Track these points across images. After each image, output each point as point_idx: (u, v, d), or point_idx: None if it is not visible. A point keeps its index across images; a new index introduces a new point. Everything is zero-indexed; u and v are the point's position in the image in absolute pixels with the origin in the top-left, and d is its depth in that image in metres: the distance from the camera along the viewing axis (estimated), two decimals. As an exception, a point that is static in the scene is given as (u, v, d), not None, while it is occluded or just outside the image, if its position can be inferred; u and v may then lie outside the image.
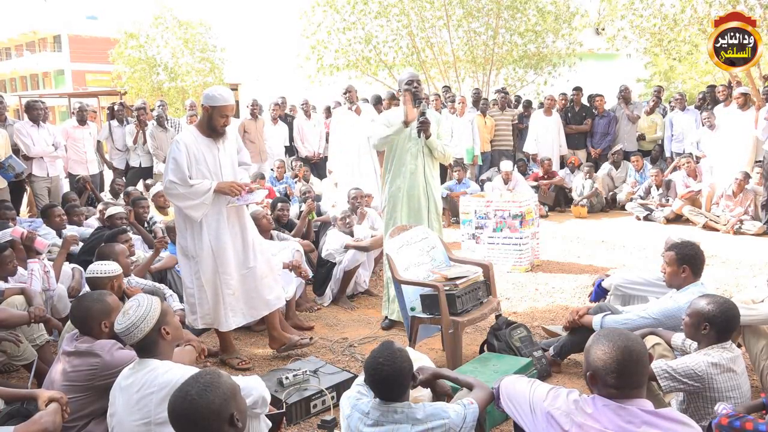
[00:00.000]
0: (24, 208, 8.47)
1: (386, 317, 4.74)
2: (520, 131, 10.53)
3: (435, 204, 4.63)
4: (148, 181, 9.00)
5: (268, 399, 2.48)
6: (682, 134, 9.37)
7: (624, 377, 1.94)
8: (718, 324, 2.69)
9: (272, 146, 9.79)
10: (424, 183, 4.53)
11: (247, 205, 4.09)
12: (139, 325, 2.43)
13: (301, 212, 6.32)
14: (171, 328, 2.54)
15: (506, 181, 8.66)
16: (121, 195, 7.59)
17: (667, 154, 9.57)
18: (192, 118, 9.56)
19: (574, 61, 14.78)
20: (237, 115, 11.61)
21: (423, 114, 4.40)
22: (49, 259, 4.76)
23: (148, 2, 19.89)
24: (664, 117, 10.10)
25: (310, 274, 5.36)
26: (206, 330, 4.58)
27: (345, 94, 7.31)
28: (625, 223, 8.58)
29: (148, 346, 2.46)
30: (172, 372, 2.36)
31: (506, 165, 8.86)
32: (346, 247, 5.33)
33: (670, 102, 10.53)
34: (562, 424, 2.02)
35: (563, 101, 10.35)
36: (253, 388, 2.38)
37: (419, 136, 4.43)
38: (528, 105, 11.05)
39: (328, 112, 10.59)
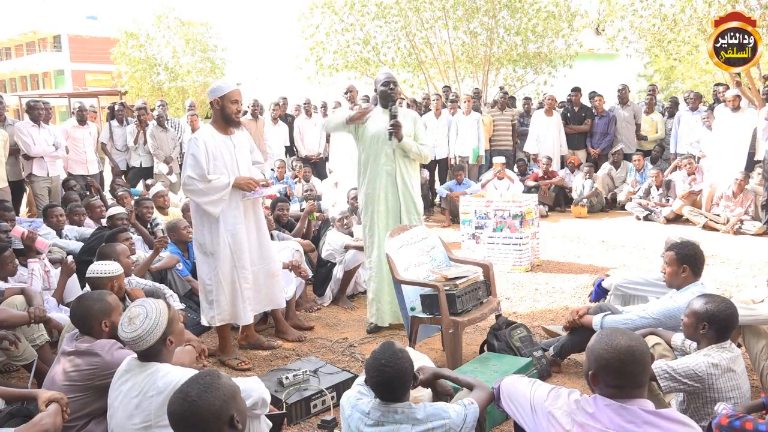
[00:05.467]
0: (24, 208, 8.47)
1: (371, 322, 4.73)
2: (519, 132, 10.53)
3: (414, 204, 4.57)
4: (148, 181, 9.00)
5: (268, 400, 2.47)
6: (689, 134, 9.30)
7: (626, 377, 1.95)
8: (717, 324, 2.68)
9: (272, 146, 9.80)
10: (400, 184, 4.50)
11: (263, 200, 4.13)
12: (145, 338, 2.40)
13: (301, 211, 6.32)
14: (176, 336, 2.52)
15: (500, 178, 8.69)
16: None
17: (672, 152, 9.52)
18: (192, 118, 9.54)
19: (572, 63, 14.77)
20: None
21: (394, 116, 4.39)
22: (50, 260, 4.77)
23: (149, 1, 19.93)
24: (664, 116, 10.11)
25: (310, 274, 5.36)
26: (206, 330, 4.58)
27: (346, 93, 7.30)
28: (625, 223, 8.58)
29: (151, 353, 2.45)
30: (170, 375, 2.36)
31: (499, 158, 8.94)
32: (346, 247, 5.32)
33: (668, 102, 10.53)
34: (564, 423, 2.02)
35: (561, 105, 10.35)
36: (253, 390, 2.37)
37: (390, 139, 4.41)
38: (527, 101, 11.04)
39: (324, 111, 10.58)
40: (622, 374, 1.94)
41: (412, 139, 4.52)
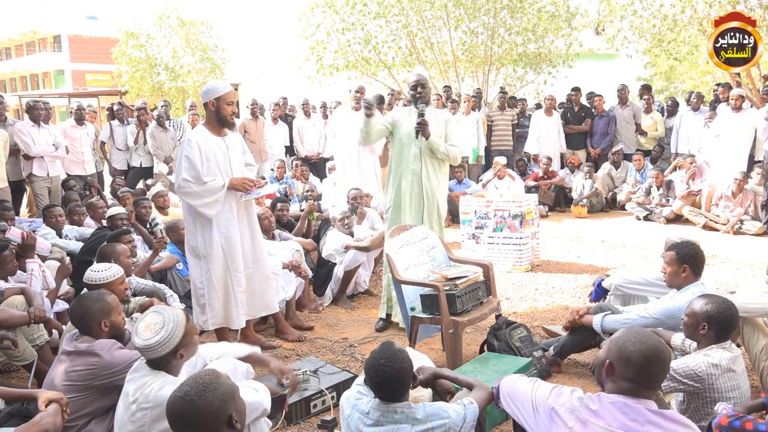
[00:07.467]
0: (24, 208, 8.47)
1: (380, 319, 4.74)
2: (517, 134, 10.54)
3: (436, 206, 4.58)
4: (149, 181, 9.00)
5: (269, 407, 2.47)
6: (690, 134, 9.28)
7: (644, 375, 1.95)
8: (717, 324, 2.69)
9: (272, 146, 9.80)
10: (425, 184, 4.51)
11: (258, 200, 4.11)
12: (156, 348, 2.34)
13: (301, 211, 6.31)
14: (187, 350, 2.46)
15: (500, 177, 8.69)
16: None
17: (672, 151, 9.51)
18: (193, 118, 9.54)
19: (572, 63, 14.77)
20: (237, 115, 11.60)
21: (421, 115, 4.41)
22: (48, 259, 4.77)
23: (151, 1, 19.92)
24: (663, 115, 10.10)
25: (310, 274, 5.36)
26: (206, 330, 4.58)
27: (357, 92, 7.19)
28: (625, 223, 8.57)
29: (160, 363, 2.40)
30: (165, 390, 2.29)
31: (500, 159, 8.95)
32: (347, 248, 5.32)
33: (667, 102, 10.52)
34: (566, 420, 2.01)
35: (561, 105, 10.35)
36: (256, 402, 2.36)
37: (417, 137, 4.43)
38: (522, 101, 11.04)
39: (324, 111, 10.57)
40: (641, 371, 1.94)
41: (443, 139, 4.52)
